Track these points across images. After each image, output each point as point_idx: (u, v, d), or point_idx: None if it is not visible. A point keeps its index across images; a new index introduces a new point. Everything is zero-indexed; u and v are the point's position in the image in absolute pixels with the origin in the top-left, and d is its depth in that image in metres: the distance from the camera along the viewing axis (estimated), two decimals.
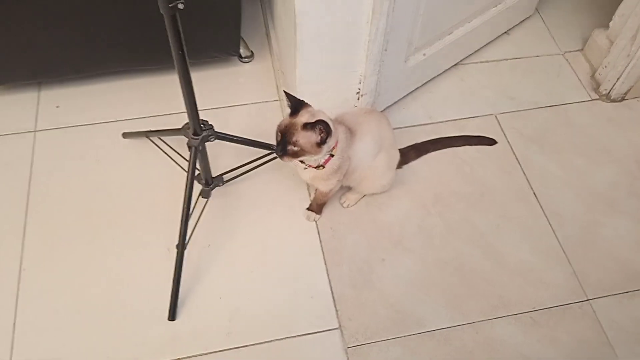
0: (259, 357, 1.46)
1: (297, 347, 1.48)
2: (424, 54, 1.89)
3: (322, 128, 1.38)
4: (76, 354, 1.44)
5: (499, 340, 1.52)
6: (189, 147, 1.49)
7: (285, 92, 1.44)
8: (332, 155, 1.48)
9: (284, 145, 1.41)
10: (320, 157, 1.46)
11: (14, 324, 1.48)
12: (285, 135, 1.41)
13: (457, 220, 1.74)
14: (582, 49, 2.21)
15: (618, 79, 1.99)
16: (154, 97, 1.94)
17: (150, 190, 1.73)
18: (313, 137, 1.39)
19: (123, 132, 1.84)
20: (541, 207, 1.77)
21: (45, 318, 1.49)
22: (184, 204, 1.48)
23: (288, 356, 1.47)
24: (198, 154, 1.50)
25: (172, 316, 1.50)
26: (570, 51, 2.21)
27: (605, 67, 2.04)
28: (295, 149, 1.40)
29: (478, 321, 1.55)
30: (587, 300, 1.60)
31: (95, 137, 1.85)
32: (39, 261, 1.58)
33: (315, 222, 1.71)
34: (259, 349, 1.47)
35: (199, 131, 1.47)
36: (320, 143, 1.40)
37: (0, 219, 1.65)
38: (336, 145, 1.47)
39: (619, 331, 1.55)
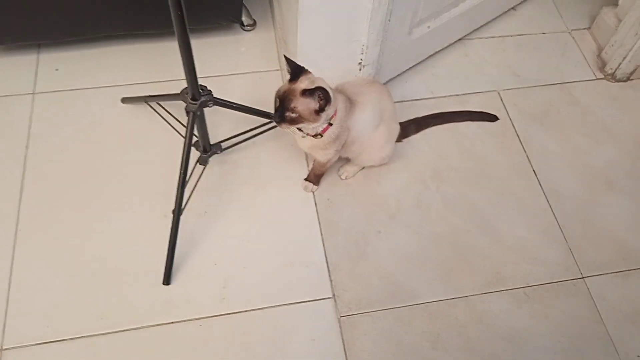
0: (253, 323, 1.47)
1: (290, 314, 1.49)
2: (429, 27, 1.86)
3: (321, 95, 1.36)
4: (70, 314, 1.45)
5: (492, 314, 1.53)
6: (187, 112, 1.48)
7: (285, 57, 1.43)
8: (330, 124, 1.47)
9: (282, 112, 1.40)
10: (319, 126, 1.44)
11: (9, 283, 1.48)
12: (283, 101, 1.39)
13: (455, 195, 1.73)
14: (589, 27, 2.18)
15: (624, 58, 1.97)
16: (154, 63, 1.93)
17: (148, 156, 1.73)
18: (312, 104, 1.38)
19: (122, 97, 1.83)
20: (540, 184, 1.76)
21: (41, 279, 1.50)
22: (180, 170, 1.47)
23: (281, 323, 1.48)
24: (196, 119, 1.49)
25: (167, 280, 1.50)
26: (578, 29, 2.18)
27: (612, 45, 2.01)
28: (293, 115, 1.39)
29: (471, 295, 1.55)
30: (582, 277, 1.60)
31: (94, 102, 1.83)
32: (35, 223, 1.58)
33: (313, 192, 1.71)
34: (252, 315, 1.48)
35: (198, 96, 1.46)
36: (319, 110, 1.39)
37: None
38: (335, 114, 1.46)
39: (611, 309, 1.56)
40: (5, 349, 1.39)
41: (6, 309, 1.44)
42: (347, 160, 1.72)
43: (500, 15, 2.16)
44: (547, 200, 1.73)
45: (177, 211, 1.48)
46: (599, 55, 2.09)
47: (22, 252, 1.53)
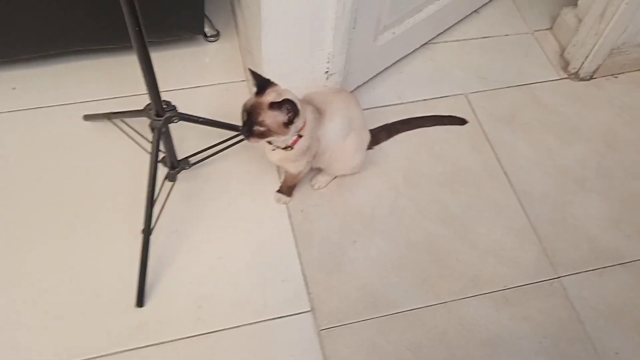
0: (230, 342, 1.43)
1: (268, 331, 1.46)
2: (394, 33, 1.86)
3: (289, 107, 1.34)
4: (38, 345, 1.39)
5: (472, 318, 1.52)
6: (152, 129, 1.44)
7: (250, 70, 1.40)
8: (300, 136, 1.44)
9: (249, 126, 1.37)
10: (288, 138, 1.42)
11: None
12: (251, 115, 1.37)
13: (428, 200, 1.72)
14: (551, 28, 2.21)
15: (586, 57, 2.00)
16: (116, 78, 1.87)
17: (113, 174, 1.68)
18: (280, 116, 1.35)
19: (84, 114, 1.77)
20: (512, 186, 1.77)
21: (5, 307, 1.43)
22: (148, 187, 1.43)
23: (259, 340, 1.44)
24: (162, 135, 1.45)
25: (140, 303, 1.45)
26: (539, 30, 2.21)
27: (574, 45, 2.04)
28: (262, 129, 1.36)
29: (450, 301, 1.54)
30: (558, 277, 1.61)
31: (56, 120, 1.77)
32: None
33: (286, 204, 1.68)
34: (229, 334, 1.44)
35: (162, 112, 1.42)
36: (288, 123, 1.36)
37: None
38: (304, 125, 1.44)
39: (588, 308, 1.57)
40: None
41: None
42: (319, 170, 1.70)
43: (463, 19, 2.18)
44: (520, 202, 1.74)
45: (147, 230, 1.44)
46: (561, 55, 2.12)
47: None
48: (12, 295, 1.45)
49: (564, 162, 1.85)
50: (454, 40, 2.13)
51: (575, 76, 2.07)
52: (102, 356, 1.38)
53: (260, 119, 1.36)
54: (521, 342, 1.50)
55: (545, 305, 1.56)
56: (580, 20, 2.02)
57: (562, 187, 1.79)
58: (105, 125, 1.71)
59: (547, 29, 2.21)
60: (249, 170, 1.73)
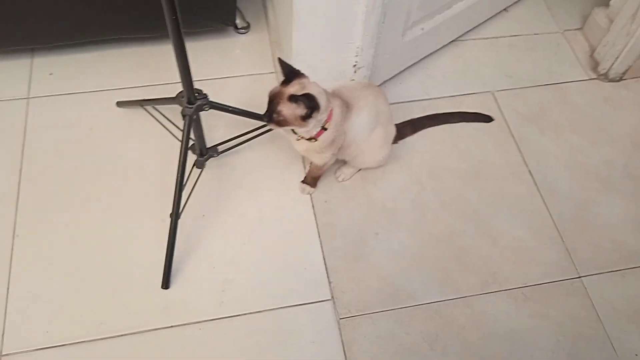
0: (252, 327, 1.47)
1: (289, 317, 1.49)
2: (422, 28, 1.87)
3: (307, 103, 1.35)
4: (69, 319, 1.44)
5: (490, 314, 1.53)
6: (183, 116, 1.48)
7: (279, 59, 1.42)
8: (324, 129, 1.46)
9: (270, 113, 1.39)
10: (310, 130, 1.44)
11: (8, 289, 1.47)
12: (272, 103, 1.39)
13: (451, 196, 1.74)
14: (581, 28, 2.19)
15: (617, 58, 1.98)
16: (148, 66, 1.92)
17: (144, 160, 1.72)
18: (297, 109, 1.37)
19: (117, 101, 1.82)
20: (536, 184, 1.77)
21: (39, 285, 1.49)
22: (177, 173, 1.47)
23: (280, 326, 1.47)
24: (192, 123, 1.49)
25: (166, 284, 1.50)
26: (570, 30, 2.19)
27: (604, 46, 2.03)
28: (279, 118, 1.39)
29: (469, 296, 1.56)
30: (579, 277, 1.61)
31: (89, 106, 1.83)
32: (32, 228, 1.57)
33: (310, 195, 1.70)
34: (251, 319, 1.48)
35: (193, 100, 1.46)
36: (305, 117, 1.38)
37: None
38: (330, 118, 1.46)
39: (609, 308, 1.57)
40: (5, 355, 1.38)
41: (5, 315, 1.43)
42: (344, 162, 1.72)
43: (492, 17, 2.18)
44: (543, 200, 1.74)
45: (175, 215, 1.48)
46: (591, 56, 2.11)
47: (20, 258, 1.52)
48: (48, 273, 1.51)
49: (590, 162, 1.84)
50: (483, 38, 2.13)
51: (605, 77, 2.05)
52: (129, 334, 1.43)
53: (279, 108, 1.38)
54: (539, 339, 1.50)
55: (565, 304, 1.56)
56: (611, 21, 2.01)
57: (587, 186, 1.78)
58: (137, 112, 1.76)
59: (577, 29, 2.19)
60: (275, 160, 1.76)
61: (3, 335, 1.40)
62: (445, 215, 1.69)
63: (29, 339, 1.40)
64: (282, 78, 1.43)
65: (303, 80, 1.41)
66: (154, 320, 1.45)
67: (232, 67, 1.97)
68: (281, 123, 1.39)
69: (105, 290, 1.49)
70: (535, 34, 2.17)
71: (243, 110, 1.65)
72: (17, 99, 1.82)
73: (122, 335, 1.43)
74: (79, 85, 1.87)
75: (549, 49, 2.13)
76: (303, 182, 1.71)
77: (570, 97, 2.00)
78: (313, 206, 1.69)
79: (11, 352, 1.38)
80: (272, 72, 1.97)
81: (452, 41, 2.09)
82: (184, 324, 1.46)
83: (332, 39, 1.62)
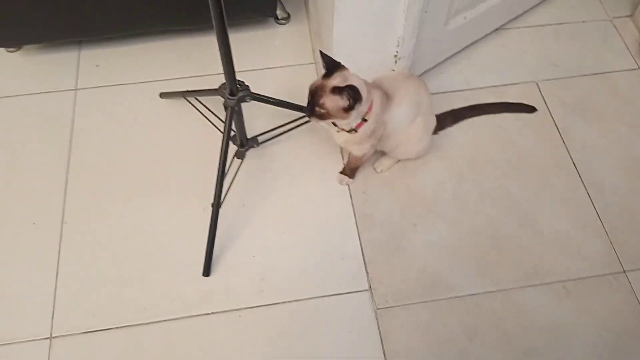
0: (290, 315, 1.49)
1: (327, 306, 1.50)
2: (465, 17, 1.84)
3: (350, 94, 1.36)
4: (115, 304, 1.49)
5: (531, 308, 1.51)
6: (225, 108, 1.50)
7: (321, 52, 1.43)
8: (365, 120, 1.46)
9: (312, 106, 1.40)
10: (351, 122, 1.44)
11: (57, 274, 1.53)
12: (314, 96, 1.40)
13: (492, 187, 1.71)
14: (631, 15, 2.12)
15: None
16: (191, 58, 1.96)
17: (186, 150, 1.76)
18: (340, 102, 1.37)
19: (160, 92, 1.86)
20: (580, 176, 1.73)
21: (86, 270, 1.54)
22: (219, 163, 1.50)
23: (318, 315, 1.49)
24: (234, 114, 1.51)
25: (207, 272, 1.53)
26: (619, 17, 2.12)
27: None
28: (322, 111, 1.39)
29: (510, 288, 1.54)
30: (624, 272, 1.57)
31: (134, 97, 1.87)
32: (79, 216, 1.63)
33: (348, 185, 1.71)
34: (290, 307, 1.50)
35: (236, 91, 1.48)
36: (348, 109, 1.38)
37: (43, 175, 1.70)
38: (370, 109, 1.45)
39: None
40: (55, 337, 1.44)
41: (54, 299, 1.49)
42: (383, 153, 1.72)
43: (537, 5, 2.12)
44: (588, 193, 1.70)
45: (217, 204, 1.51)
46: None
47: (68, 245, 1.58)
48: (95, 259, 1.56)
49: (637, 153, 1.79)
50: (527, 27, 2.09)
51: None
52: (171, 320, 1.47)
53: (322, 101, 1.38)
54: (580, 333, 1.48)
55: (609, 299, 1.53)
56: None
57: (634, 179, 1.73)
58: (179, 103, 1.79)
59: (627, 16, 2.12)
60: (314, 151, 1.77)
61: (53, 318, 1.47)
62: (485, 207, 1.67)
63: (77, 322, 1.46)
64: (322, 70, 1.43)
65: (344, 72, 1.41)
66: (195, 306, 1.49)
67: (272, 58, 1.99)
68: (324, 116, 1.40)
69: (148, 276, 1.54)
70: (582, 22, 2.11)
71: (284, 101, 1.67)
72: (65, 90, 1.88)
73: (165, 321, 1.47)
74: (123, 77, 1.92)
75: (596, 37, 2.07)
76: (341, 172, 1.72)
77: (619, 87, 1.94)
78: (351, 197, 1.69)
79: (60, 334, 1.45)
80: (312, 63, 1.98)
81: (495, 30, 2.05)
82: (224, 311, 1.49)
83: (373, 29, 1.61)
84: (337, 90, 1.36)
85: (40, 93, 1.88)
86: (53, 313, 1.47)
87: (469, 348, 1.45)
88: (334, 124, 1.47)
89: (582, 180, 1.73)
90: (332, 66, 1.41)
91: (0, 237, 1.59)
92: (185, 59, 1.96)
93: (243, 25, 2.01)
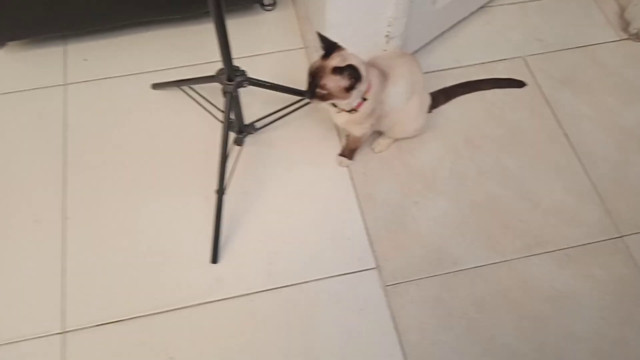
0: (301, 296, 1.50)
1: (336, 286, 1.52)
2: None
3: (351, 73, 1.37)
4: (125, 296, 1.48)
5: (534, 276, 1.55)
6: (224, 93, 1.49)
7: (318, 33, 1.43)
8: (365, 99, 1.48)
9: (313, 88, 1.41)
10: (352, 101, 1.45)
11: (63, 269, 1.52)
12: (314, 78, 1.41)
13: (489, 162, 1.74)
14: None
15: None
16: (179, 47, 1.94)
17: (183, 140, 1.75)
18: (342, 81, 1.39)
19: (152, 82, 1.84)
20: (573, 147, 1.77)
21: (93, 264, 1.53)
22: (221, 150, 1.49)
23: (328, 295, 1.51)
24: (232, 100, 1.51)
25: (215, 259, 1.53)
26: None
27: (636, 5, 2.00)
28: (324, 92, 1.40)
29: (513, 259, 1.57)
30: (621, 237, 1.62)
31: (126, 89, 1.85)
32: (81, 210, 1.61)
33: (348, 167, 1.72)
34: (299, 289, 1.51)
35: (234, 77, 1.47)
36: (349, 88, 1.40)
37: (39, 172, 1.68)
38: (369, 89, 1.47)
39: None
40: (68, 331, 1.43)
41: (63, 293, 1.48)
42: (380, 134, 1.74)
43: None
44: (581, 162, 1.74)
45: (220, 191, 1.51)
46: (621, 16, 2.08)
47: (73, 240, 1.56)
48: (101, 252, 1.55)
49: (625, 122, 1.83)
50: (511, 3, 2.12)
51: (636, 37, 2.03)
52: (183, 308, 1.47)
53: (323, 82, 1.39)
54: (584, 299, 1.52)
55: (608, 264, 1.57)
56: None
57: (624, 147, 1.78)
58: (172, 93, 1.78)
59: None
60: (311, 135, 1.78)
61: (64, 313, 1.45)
62: (483, 182, 1.70)
63: (89, 316, 1.45)
64: (313, 53, 1.43)
65: (342, 52, 1.42)
66: (205, 293, 1.49)
67: (260, 45, 1.98)
68: (325, 97, 1.40)
69: (156, 267, 1.53)
70: None
71: (280, 85, 1.67)
72: (54, 86, 1.85)
73: (177, 309, 1.47)
74: (113, 70, 1.89)
75: (578, 11, 2.11)
76: (340, 154, 1.73)
77: (603, 59, 1.98)
78: (352, 178, 1.70)
79: (73, 328, 1.43)
80: (301, 48, 1.98)
81: (481, 7, 2.08)
82: (235, 297, 1.49)
83: (365, 10, 1.62)
84: (337, 70, 1.37)
85: (29, 90, 1.85)
86: (65, 308, 1.46)
87: (479, 318, 1.48)
88: (334, 105, 1.48)
89: (574, 151, 1.77)
90: (329, 47, 1.42)
91: (3, 236, 1.57)
92: (174, 49, 1.94)
93: (229, 12, 1.95)
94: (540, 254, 1.58)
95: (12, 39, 1.91)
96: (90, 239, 1.57)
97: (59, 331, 1.43)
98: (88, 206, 1.62)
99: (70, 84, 1.86)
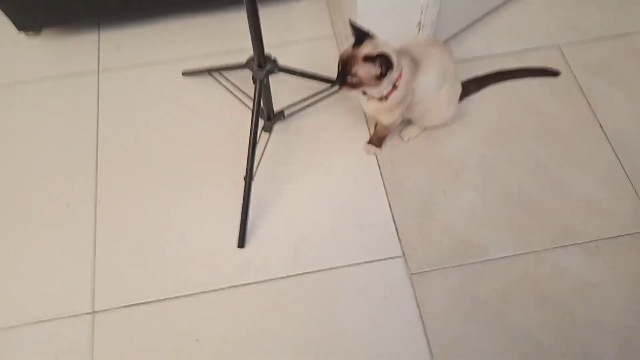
0: (326, 283, 1.51)
1: (362, 273, 1.52)
2: None
3: (383, 61, 1.36)
4: (153, 278, 1.52)
5: (563, 268, 1.52)
6: (254, 80, 1.50)
7: (350, 21, 1.43)
8: (395, 87, 1.47)
9: (343, 76, 1.41)
10: (382, 89, 1.45)
11: (94, 252, 1.56)
12: (345, 65, 1.40)
13: (519, 152, 1.72)
14: None
15: None
16: (210, 35, 1.96)
17: (212, 126, 1.77)
18: (373, 69, 1.38)
19: (183, 70, 1.87)
20: (607, 138, 1.73)
21: (123, 247, 1.57)
22: (250, 136, 1.51)
23: (354, 282, 1.51)
24: (262, 87, 1.52)
25: (242, 244, 1.55)
26: None
27: None
28: (354, 80, 1.40)
29: (541, 250, 1.55)
30: None
31: (158, 76, 1.88)
32: (112, 195, 1.65)
33: (376, 155, 1.72)
34: (325, 275, 1.52)
35: (264, 64, 1.48)
36: (380, 76, 1.39)
37: (72, 157, 1.72)
38: (400, 77, 1.46)
39: None
40: (97, 312, 1.47)
41: (94, 275, 1.52)
42: (409, 122, 1.73)
43: None
44: (615, 154, 1.70)
45: (249, 177, 1.52)
46: None
47: (103, 224, 1.60)
48: (131, 236, 1.59)
49: None
50: None
51: None
52: (210, 291, 1.50)
53: (354, 70, 1.39)
54: (615, 291, 1.49)
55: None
56: None
57: None
58: (202, 81, 1.81)
59: None
60: (340, 122, 1.78)
61: (94, 294, 1.49)
62: (514, 172, 1.68)
63: (117, 297, 1.49)
64: (343, 42, 1.43)
65: (374, 40, 1.42)
66: (232, 278, 1.51)
67: (290, 33, 1.99)
68: (356, 85, 1.40)
69: (184, 250, 1.56)
70: None
71: (309, 73, 1.67)
72: (88, 72, 1.90)
73: (203, 292, 1.49)
74: (145, 57, 1.93)
75: None
76: (369, 143, 1.72)
77: None
78: (379, 166, 1.70)
79: (102, 308, 1.47)
80: (331, 36, 1.98)
81: None
82: (261, 281, 1.51)
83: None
84: (369, 58, 1.37)
85: (63, 76, 1.89)
86: (94, 289, 1.50)
87: (506, 309, 1.47)
88: (364, 93, 1.48)
89: (609, 142, 1.73)
90: (361, 35, 1.42)
91: (36, 219, 1.62)
92: (205, 37, 1.96)
93: (260, 1, 2.00)
94: (570, 245, 1.56)
95: (47, 25, 1.95)
96: (120, 222, 1.60)
97: (89, 311, 1.47)
98: (118, 191, 1.66)
99: (104, 70, 1.90)
